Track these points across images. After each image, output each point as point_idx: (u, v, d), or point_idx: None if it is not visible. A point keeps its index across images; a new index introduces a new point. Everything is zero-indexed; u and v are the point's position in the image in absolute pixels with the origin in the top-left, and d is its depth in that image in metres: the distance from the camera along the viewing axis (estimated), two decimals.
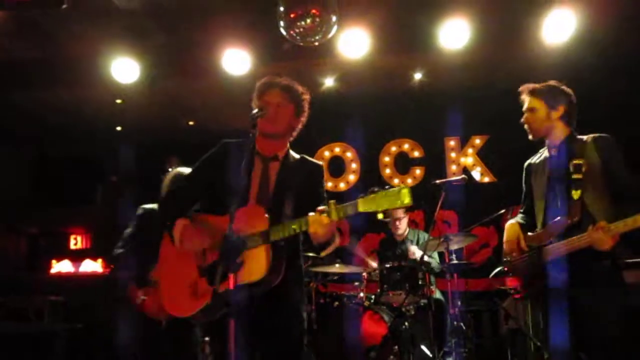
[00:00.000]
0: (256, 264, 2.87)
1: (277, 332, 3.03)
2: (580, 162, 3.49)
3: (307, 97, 3.33)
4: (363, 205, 2.72)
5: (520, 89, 3.90)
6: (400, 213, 6.91)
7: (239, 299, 2.78)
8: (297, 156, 3.33)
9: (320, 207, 2.81)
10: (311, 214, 2.81)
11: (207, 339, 5.96)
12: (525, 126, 3.81)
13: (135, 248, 4.51)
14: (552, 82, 3.85)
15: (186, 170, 4.45)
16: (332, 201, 2.81)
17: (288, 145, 3.34)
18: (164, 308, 3.15)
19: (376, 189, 2.72)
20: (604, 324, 3.28)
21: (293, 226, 2.87)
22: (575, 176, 3.48)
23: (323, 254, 3.03)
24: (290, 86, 3.27)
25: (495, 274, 4.17)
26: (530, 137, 3.81)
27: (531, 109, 3.77)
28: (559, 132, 3.71)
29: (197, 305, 2.94)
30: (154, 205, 4.69)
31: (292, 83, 3.30)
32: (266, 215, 2.94)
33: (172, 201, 3.31)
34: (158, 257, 3.28)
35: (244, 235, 2.88)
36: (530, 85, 3.85)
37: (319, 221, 2.77)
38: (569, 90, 3.81)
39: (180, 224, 3.07)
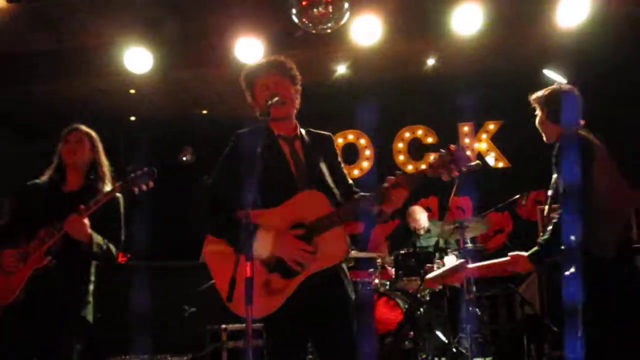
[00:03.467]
0: (336, 246, 2.86)
1: (334, 314, 2.94)
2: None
3: (294, 66, 3.21)
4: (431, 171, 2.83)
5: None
6: (421, 220, 6.98)
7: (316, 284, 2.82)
8: (304, 131, 3.26)
9: (392, 178, 2.85)
10: (385, 184, 2.85)
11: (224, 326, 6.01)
12: None
13: None
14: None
15: None
16: (399, 172, 2.86)
17: (295, 120, 3.24)
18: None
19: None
20: None
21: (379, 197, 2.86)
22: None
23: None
24: (277, 61, 3.16)
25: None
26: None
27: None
28: (551, 133, 3.82)
29: (278, 301, 2.82)
30: None
31: (274, 58, 3.21)
32: (325, 197, 2.91)
33: (214, 206, 3.07)
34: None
35: (310, 223, 2.85)
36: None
37: (399, 194, 2.84)
38: (554, 88, 3.87)
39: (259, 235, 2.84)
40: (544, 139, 3.87)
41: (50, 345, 3.73)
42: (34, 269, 3.73)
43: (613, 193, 3.50)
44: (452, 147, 2.84)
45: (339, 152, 3.33)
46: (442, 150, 2.85)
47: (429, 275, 4.05)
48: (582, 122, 3.78)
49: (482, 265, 4.47)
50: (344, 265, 3.06)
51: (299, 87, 3.22)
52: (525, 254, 3.73)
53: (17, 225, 3.99)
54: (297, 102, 3.21)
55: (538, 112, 3.86)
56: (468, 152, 2.92)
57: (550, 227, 3.56)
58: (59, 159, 4.19)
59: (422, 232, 7.05)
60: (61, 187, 4.08)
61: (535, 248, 3.67)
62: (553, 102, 3.79)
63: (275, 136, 3.09)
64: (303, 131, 3.24)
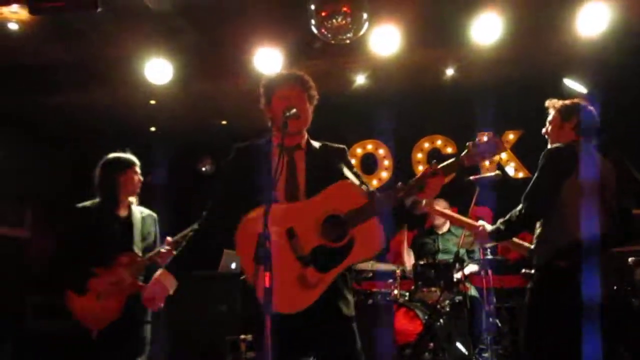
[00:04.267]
0: (372, 238, 2.88)
1: (325, 320, 2.91)
2: None
3: (313, 85, 3.23)
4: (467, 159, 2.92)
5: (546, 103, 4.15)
6: (442, 205, 6.96)
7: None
8: (317, 144, 3.26)
9: (429, 167, 2.92)
10: (422, 173, 2.92)
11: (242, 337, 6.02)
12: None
13: None
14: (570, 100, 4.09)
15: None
16: (434, 161, 2.92)
17: (306, 133, 3.26)
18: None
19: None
20: None
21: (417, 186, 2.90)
22: None
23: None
24: (299, 76, 3.19)
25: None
26: None
27: (549, 122, 4.06)
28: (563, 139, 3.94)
29: (315, 295, 2.83)
30: None
31: (296, 72, 3.24)
32: (358, 187, 2.97)
33: (209, 222, 3.22)
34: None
35: (345, 214, 2.86)
36: (553, 101, 4.12)
37: (437, 182, 2.90)
38: (583, 103, 4.02)
39: None
40: (551, 142, 4.01)
41: None
42: (128, 294, 4.06)
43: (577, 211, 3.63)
44: (485, 134, 2.92)
45: (356, 162, 3.34)
46: (477, 139, 2.93)
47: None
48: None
49: (448, 214, 4.89)
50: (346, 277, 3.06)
51: (312, 107, 3.24)
52: (489, 228, 4.01)
53: (80, 248, 4.15)
54: (310, 119, 3.23)
55: (555, 117, 3.99)
56: (498, 139, 2.96)
57: (511, 213, 3.88)
58: (116, 185, 4.34)
59: (441, 231, 7.03)
60: (115, 212, 4.26)
61: (496, 225, 3.98)
62: (580, 116, 3.94)
63: (274, 146, 3.10)
64: (315, 143, 3.25)
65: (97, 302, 4.08)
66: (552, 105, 4.06)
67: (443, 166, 2.91)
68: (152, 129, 9.17)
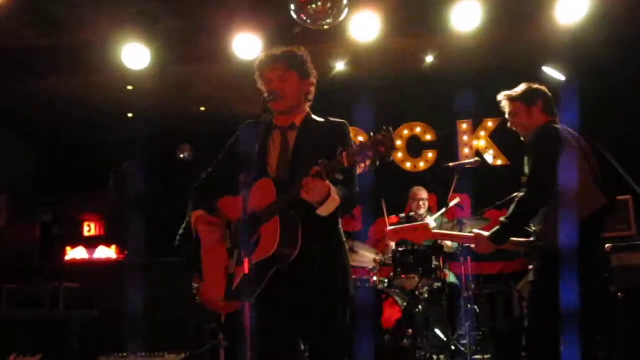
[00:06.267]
0: (268, 239, 2.82)
1: (306, 308, 2.96)
2: (525, 161, 3.76)
3: (307, 56, 3.23)
4: (347, 159, 2.67)
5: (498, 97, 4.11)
6: (423, 194, 6.95)
7: (256, 279, 2.78)
8: (320, 119, 3.25)
9: (314, 169, 2.72)
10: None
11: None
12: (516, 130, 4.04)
13: None
14: (524, 85, 4.03)
15: None
16: (321, 160, 2.72)
17: (307, 110, 3.26)
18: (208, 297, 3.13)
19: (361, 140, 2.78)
20: None
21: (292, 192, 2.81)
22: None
23: (321, 213, 2.84)
24: (286, 53, 3.18)
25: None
26: (523, 139, 4.01)
27: (513, 114, 4.00)
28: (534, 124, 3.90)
29: (231, 287, 2.87)
30: None
31: (287, 49, 3.22)
32: (273, 186, 2.90)
33: (201, 190, 3.28)
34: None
35: (259, 211, 2.88)
36: (507, 93, 4.06)
37: (311, 183, 2.71)
38: (541, 87, 3.99)
39: (194, 216, 3.09)
40: (522, 132, 4.00)
41: None
42: None
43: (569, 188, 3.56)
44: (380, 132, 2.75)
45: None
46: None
47: (390, 228, 4.06)
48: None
49: (443, 234, 4.64)
50: (334, 259, 3.06)
51: (311, 79, 3.24)
52: (486, 234, 3.76)
53: None
54: (304, 94, 3.23)
55: (519, 107, 3.97)
56: (383, 136, 2.73)
57: (512, 207, 3.67)
58: None
59: (422, 210, 6.98)
60: None
61: (497, 227, 3.73)
62: (546, 96, 3.93)
63: (272, 127, 3.12)
64: (320, 119, 3.24)
65: None
66: (507, 97, 4.03)
67: (326, 165, 2.72)
68: (130, 115, 9.07)
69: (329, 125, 3.22)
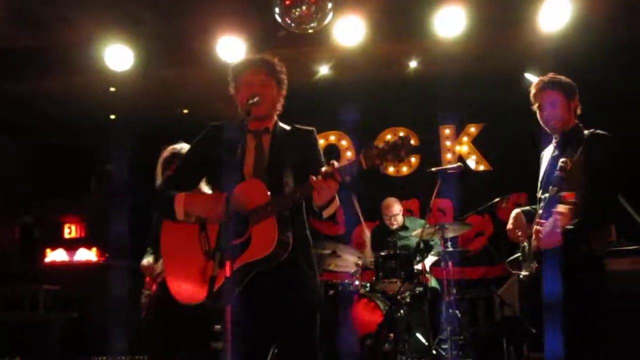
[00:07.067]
0: (264, 239, 2.82)
1: (288, 309, 2.95)
2: (565, 160, 3.40)
3: (284, 69, 3.25)
4: (366, 161, 2.72)
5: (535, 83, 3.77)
6: (394, 209, 6.93)
7: (242, 279, 2.81)
8: (287, 127, 3.28)
9: (323, 169, 2.77)
10: (313, 177, 2.77)
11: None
12: (551, 123, 3.67)
13: None
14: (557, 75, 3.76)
15: (179, 145, 4.43)
16: (333, 161, 2.78)
17: (275, 117, 3.29)
18: (174, 297, 3.04)
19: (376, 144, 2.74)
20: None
21: (297, 193, 2.84)
22: (557, 173, 3.43)
23: (325, 215, 2.91)
24: (268, 62, 3.21)
25: (510, 261, 4.05)
26: (553, 134, 3.73)
27: (552, 103, 3.64)
28: (570, 124, 3.66)
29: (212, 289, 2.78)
30: None
31: (268, 58, 3.23)
32: (266, 187, 2.90)
33: (168, 187, 3.24)
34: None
35: (247, 211, 2.87)
36: (545, 78, 3.72)
37: (323, 183, 2.73)
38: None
39: (180, 196, 3.01)
40: (557, 131, 3.67)
41: None
42: None
43: None
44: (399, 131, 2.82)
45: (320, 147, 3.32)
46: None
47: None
48: None
49: None
50: (311, 262, 3.08)
51: (284, 92, 3.27)
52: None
53: None
54: (280, 104, 3.27)
55: (558, 97, 3.63)
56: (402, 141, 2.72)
57: (585, 212, 3.32)
58: None
59: (395, 226, 6.95)
60: None
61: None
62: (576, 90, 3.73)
63: (245, 130, 3.08)
64: (287, 127, 3.27)
65: None
66: (553, 81, 3.68)
67: (339, 167, 2.76)
68: (112, 117, 9.01)
69: (298, 131, 3.28)
